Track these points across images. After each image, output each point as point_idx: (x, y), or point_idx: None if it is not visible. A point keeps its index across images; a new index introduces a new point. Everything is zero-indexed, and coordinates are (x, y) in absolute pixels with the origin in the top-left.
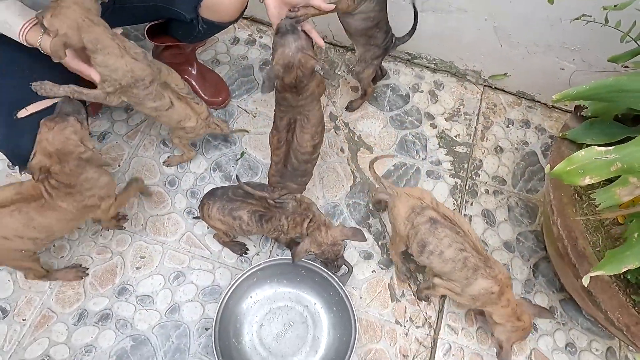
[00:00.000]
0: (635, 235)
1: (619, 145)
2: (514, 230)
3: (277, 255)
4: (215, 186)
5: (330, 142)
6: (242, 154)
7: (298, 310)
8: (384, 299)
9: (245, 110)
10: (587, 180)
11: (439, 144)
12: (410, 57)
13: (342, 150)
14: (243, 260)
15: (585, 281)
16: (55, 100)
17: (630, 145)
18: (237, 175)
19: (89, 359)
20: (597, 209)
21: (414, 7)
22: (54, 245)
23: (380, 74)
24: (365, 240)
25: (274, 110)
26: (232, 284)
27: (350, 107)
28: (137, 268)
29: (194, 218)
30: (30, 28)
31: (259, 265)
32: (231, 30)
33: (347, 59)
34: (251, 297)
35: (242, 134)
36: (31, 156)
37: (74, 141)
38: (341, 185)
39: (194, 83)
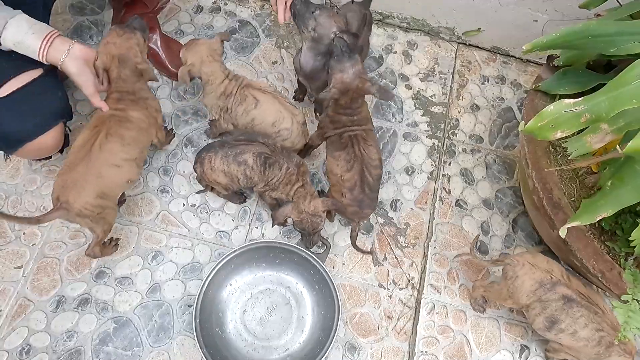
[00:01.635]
0: (609, 183)
1: (586, 96)
2: (493, 188)
3: (257, 227)
4: (188, 162)
5: (304, 110)
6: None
7: (280, 292)
8: (366, 264)
9: None
10: (559, 135)
11: (414, 105)
12: (381, 17)
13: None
14: (222, 235)
15: (563, 232)
16: (33, 77)
17: (597, 95)
18: None
19: (72, 344)
20: (569, 158)
21: None
22: (24, 233)
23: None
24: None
25: (321, 136)
26: (209, 273)
27: None
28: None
29: (197, 192)
30: (48, 48)
31: (235, 251)
32: None
33: None
34: (231, 285)
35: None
36: (95, 56)
37: (135, 51)
38: (318, 153)
39: (159, 53)
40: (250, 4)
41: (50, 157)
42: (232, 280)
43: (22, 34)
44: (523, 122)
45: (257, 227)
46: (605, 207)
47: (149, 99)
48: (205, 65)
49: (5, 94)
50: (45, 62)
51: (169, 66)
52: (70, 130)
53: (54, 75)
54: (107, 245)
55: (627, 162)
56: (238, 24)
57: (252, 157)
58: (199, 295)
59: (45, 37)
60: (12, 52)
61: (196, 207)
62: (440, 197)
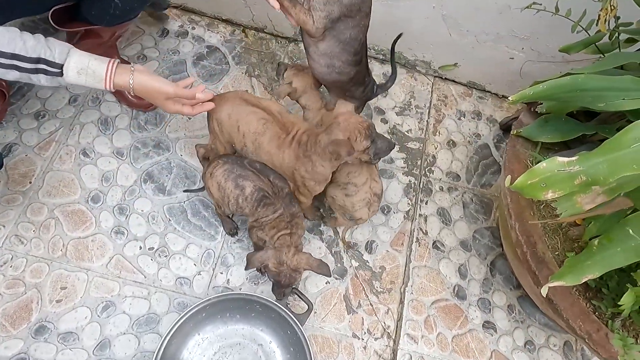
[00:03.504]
0: (595, 243)
1: (581, 155)
2: (470, 228)
3: (222, 273)
4: (147, 200)
5: None
6: None
7: (252, 349)
8: (340, 312)
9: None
10: (550, 195)
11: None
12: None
13: None
14: (183, 282)
15: (544, 291)
16: None
17: (594, 156)
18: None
19: None
20: (558, 217)
21: (393, 58)
22: None
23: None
24: (330, 276)
25: None
26: (176, 321)
27: None
28: (57, 301)
29: (185, 191)
30: (115, 70)
31: (209, 300)
32: (158, 22)
33: (290, 51)
34: (199, 334)
35: (174, 134)
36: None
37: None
38: None
39: None
40: (219, 29)
41: None
42: (201, 329)
43: (87, 59)
44: (509, 176)
45: (221, 273)
46: (592, 268)
47: None
48: (304, 94)
49: None
50: (111, 88)
51: (128, 95)
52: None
53: None
54: None
55: (618, 224)
56: (206, 49)
57: (251, 188)
58: (158, 350)
59: (109, 62)
60: None
61: (154, 250)
62: (417, 238)
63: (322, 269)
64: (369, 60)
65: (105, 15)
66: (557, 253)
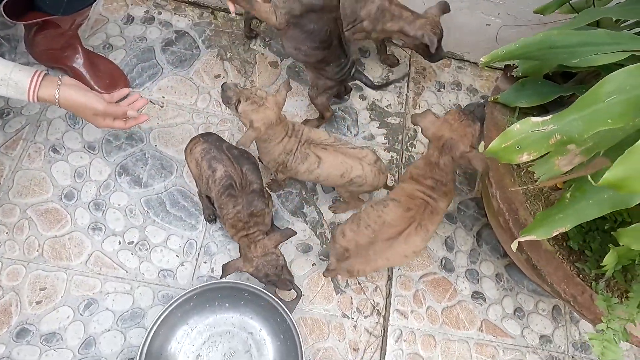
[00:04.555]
0: (567, 195)
1: (555, 114)
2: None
3: (205, 262)
4: (124, 194)
5: None
6: None
7: (241, 338)
8: (328, 293)
9: (150, 100)
10: (525, 157)
11: (370, 116)
12: None
13: None
14: (166, 274)
15: (514, 246)
16: None
17: (568, 113)
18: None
19: None
20: (536, 182)
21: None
22: None
23: (344, 91)
24: (295, 233)
25: None
26: (162, 311)
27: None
28: (37, 303)
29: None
30: (41, 82)
31: (195, 289)
32: (122, 8)
33: (262, 31)
34: (187, 324)
35: (147, 124)
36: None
37: (467, 141)
38: (270, 175)
39: (83, 73)
40: (187, 13)
41: None
42: (190, 319)
43: (9, 70)
44: (482, 142)
45: (205, 262)
46: (563, 221)
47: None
48: (270, 129)
49: None
50: (35, 101)
51: (95, 87)
52: None
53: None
54: None
55: (593, 177)
56: (175, 35)
57: (221, 172)
58: (143, 343)
59: (35, 73)
60: None
61: (134, 244)
62: None
63: (286, 235)
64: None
65: (61, 3)
66: None
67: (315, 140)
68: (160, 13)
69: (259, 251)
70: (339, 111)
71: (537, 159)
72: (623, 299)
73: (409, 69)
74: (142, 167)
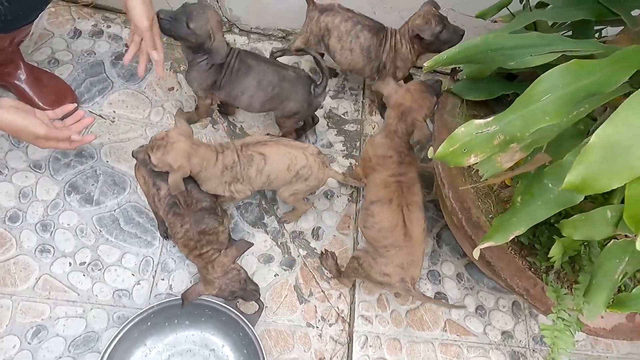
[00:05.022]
0: (519, 199)
1: (496, 115)
2: None
3: (163, 279)
4: (73, 213)
5: (208, 139)
6: None
7: (203, 355)
8: (292, 303)
9: (100, 115)
10: (473, 159)
11: (328, 124)
12: (284, 34)
13: None
14: (121, 294)
15: (476, 254)
16: None
17: (508, 113)
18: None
19: None
20: (482, 179)
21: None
22: None
23: (312, 122)
24: (252, 245)
25: None
26: (116, 333)
27: None
28: None
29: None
30: None
31: (152, 308)
32: (69, 22)
33: None
34: (145, 345)
35: (98, 140)
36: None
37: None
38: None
39: (26, 90)
40: None
41: None
42: (147, 339)
43: None
44: (431, 148)
45: (163, 279)
46: (517, 224)
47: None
48: (192, 157)
49: None
50: None
51: (39, 103)
52: None
53: None
54: None
55: (537, 177)
56: (125, 48)
57: (165, 190)
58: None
59: None
60: None
61: (86, 264)
62: None
63: (242, 248)
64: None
65: None
66: (490, 216)
67: (252, 142)
68: (109, 26)
69: (218, 271)
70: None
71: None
72: (571, 290)
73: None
74: (93, 185)
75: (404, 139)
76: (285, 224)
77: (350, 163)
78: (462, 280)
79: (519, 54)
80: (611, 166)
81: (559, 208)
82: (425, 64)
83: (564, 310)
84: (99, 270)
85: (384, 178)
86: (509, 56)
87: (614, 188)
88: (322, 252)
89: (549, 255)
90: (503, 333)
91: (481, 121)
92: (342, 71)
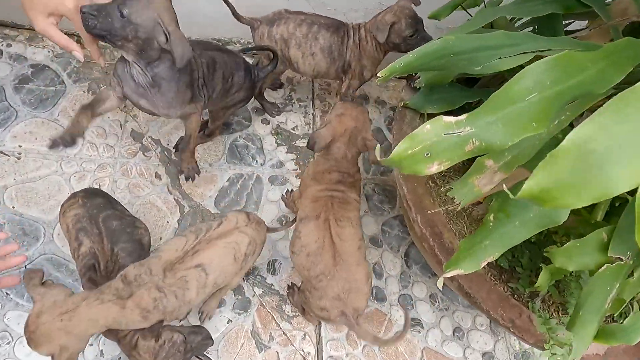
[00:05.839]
0: (491, 218)
1: (470, 113)
2: (378, 222)
3: (90, 344)
4: None
5: (139, 170)
6: None
7: None
8: (250, 352)
9: (2, 152)
10: (436, 167)
11: (276, 141)
12: (222, 44)
13: (157, 176)
14: None
15: (439, 284)
16: None
17: (485, 112)
18: None
19: None
20: (456, 203)
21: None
22: None
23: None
24: (212, 342)
25: None
26: None
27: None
28: None
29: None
30: None
31: None
32: None
33: None
34: None
35: (1, 182)
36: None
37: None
38: (165, 222)
39: None
40: (46, 43)
41: None
42: None
43: None
44: (378, 146)
45: (91, 344)
46: (490, 249)
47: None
48: (73, 329)
49: None
50: None
51: None
52: None
53: None
54: None
55: (512, 193)
56: (31, 70)
57: (86, 249)
58: None
59: None
60: None
61: None
62: None
63: (156, 328)
64: None
65: None
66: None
67: (176, 258)
68: (10, 45)
69: (147, 357)
70: (241, 139)
71: (447, 171)
72: (559, 313)
73: (312, 86)
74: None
75: (352, 162)
76: None
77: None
78: (435, 302)
79: (484, 57)
80: (581, 179)
81: (539, 229)
82: (379, 75)
83: (557, 345)
84: (7, 343)
85: (315, 192)
86: (473, 60)
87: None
88: (288, 286)
89: (535, 286)
90: (484, 355)
91: (452, 119)
92: (309, 77)
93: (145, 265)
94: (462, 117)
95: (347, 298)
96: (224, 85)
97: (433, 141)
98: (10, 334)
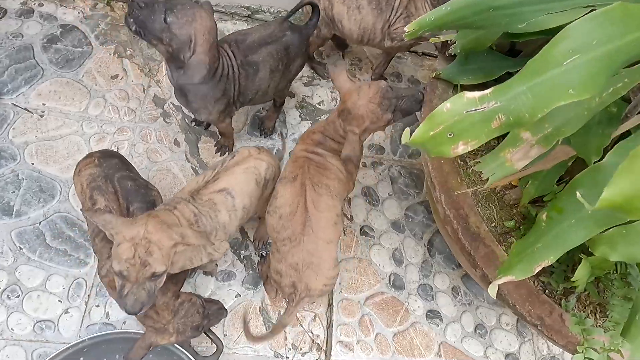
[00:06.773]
0: (544, 217)
1: (498, 86)
2: (401, 206)
3: (97, 306)
4: None
5: (158, 135)
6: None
7: None
8: (256, 329)
9: (26, 109)
10: (462, 148)
11: (300, 115)
12: (250, 13)
13: (176, 143)
14: (44, 325)
15: (492, 292)
16: None
17: (513, 84)
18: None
19: None
20: (486, 182)
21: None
22: None
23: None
24: (191, 271)
25: None
26: None
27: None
28: None
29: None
30: None
31: (83, 342)
32: None
33: None
34: None
35: (21, 137)
36: None
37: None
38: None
39: None
40: (76, 4)
41: None
42: None
43: None
44: (407, 129)
45: (97, 306)
46: (545, 252)
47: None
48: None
49: None
50: None
51: None
52: None
53: None
54: None
55: (566, 188)
56: (60, 30)
57: (101, 207)
58: None
59: None
60: None
61: (1, 291)
62: None
63: (181, 278)
64: None
65: None
66: (493, 224)
67: (199, 186)
68: (41, 5)
69: (166, 315)
70: (264, 111)
71: (479, 149)
72: (597, 315)
73: (343, 59)
74: (13, 192)
75: (339, 133)
76: (248, 234)
77: None
78: (458, 295)
79: (530, 13)
80: None
81: (600, 228)
82: (406, 29)
83: (593, 349)
84: (17, 297)
85: (296, 151)
86: (516, 16)
87: None
88: (261, 256)
89: (572, 279)
90: (507, 356)
91: (475, 94)
92: (353, 43)
93: (172, 197)
94: (488, 91)
95: (303, 271)
96: (273, 77)
97: (455, 120)
98: (20, 288)
